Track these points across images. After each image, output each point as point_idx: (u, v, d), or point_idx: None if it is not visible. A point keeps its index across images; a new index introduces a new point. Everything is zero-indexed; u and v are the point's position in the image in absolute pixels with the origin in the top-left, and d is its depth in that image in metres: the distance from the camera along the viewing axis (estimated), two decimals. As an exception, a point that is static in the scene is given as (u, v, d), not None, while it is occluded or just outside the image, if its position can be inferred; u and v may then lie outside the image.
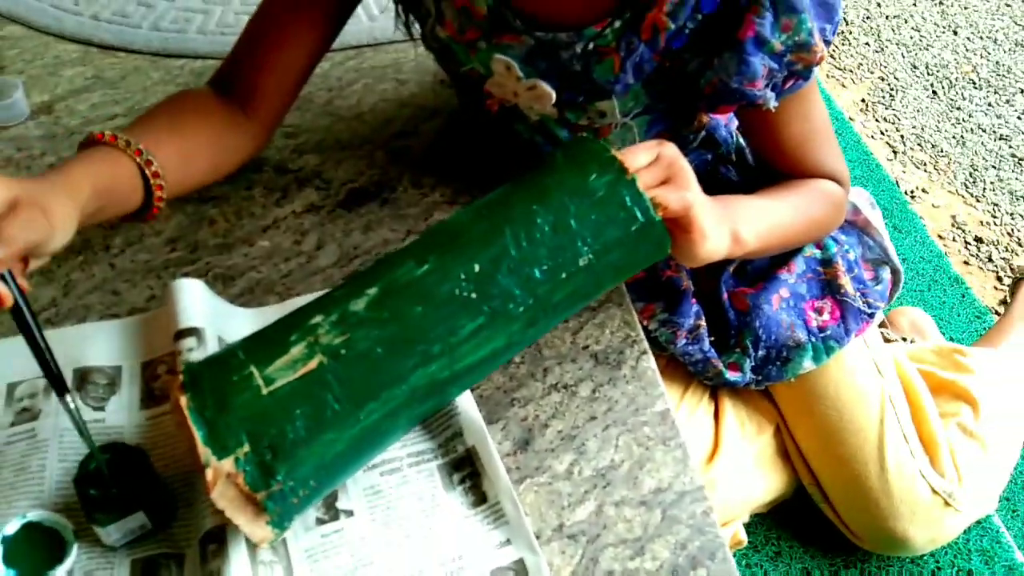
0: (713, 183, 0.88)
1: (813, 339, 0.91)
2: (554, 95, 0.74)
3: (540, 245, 0.57)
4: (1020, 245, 1.95)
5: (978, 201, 2.05)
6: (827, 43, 0.68)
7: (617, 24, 0.68)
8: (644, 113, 0.77)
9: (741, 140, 0.90)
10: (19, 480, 0.61)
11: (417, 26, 0.80)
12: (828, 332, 0.91)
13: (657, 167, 0.61)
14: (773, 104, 0.71)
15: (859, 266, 0.94)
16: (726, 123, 0.88)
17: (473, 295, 0.56)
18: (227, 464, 0.51)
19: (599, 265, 0.59)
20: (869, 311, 0.93)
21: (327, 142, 0.92)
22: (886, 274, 0.96)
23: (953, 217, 2.00)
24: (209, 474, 0.50)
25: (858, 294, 0.92)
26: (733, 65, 0.68)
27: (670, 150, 0.63)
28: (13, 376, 0.68)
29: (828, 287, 0.92)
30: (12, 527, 0.57)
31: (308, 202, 0.85)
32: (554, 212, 0.58)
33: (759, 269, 0.92)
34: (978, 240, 1.95)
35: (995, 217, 2.01)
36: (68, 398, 0.55)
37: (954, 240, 1.94)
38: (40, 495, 0.61)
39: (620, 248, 0.59)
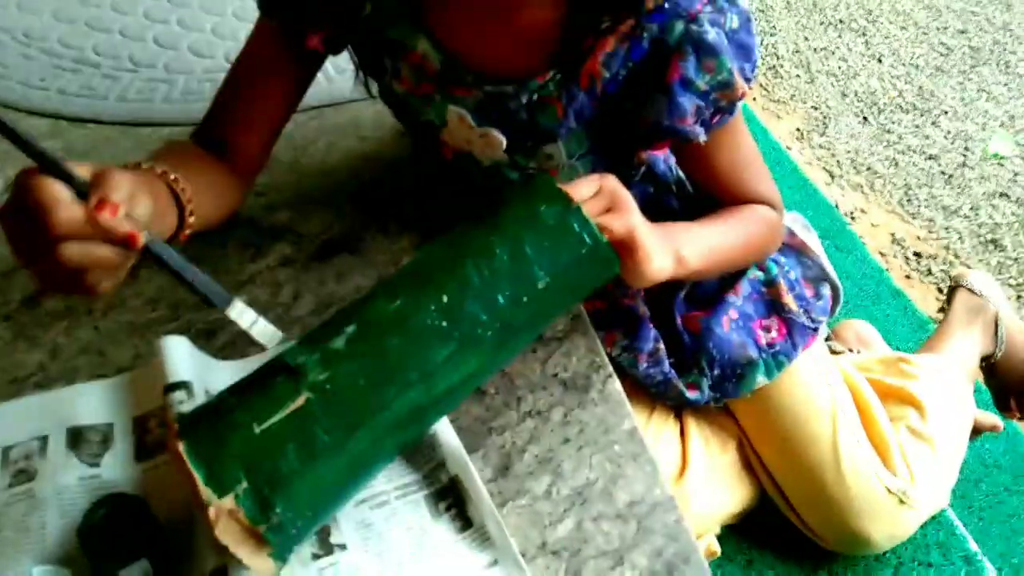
0: (657, 213, 0.93)
1: (764, 355, 0.97)
2: (505, 142, 0.79)
3: (500, 273, 0.62)
4: (957, 257, 2.04)
5: (914, 218, 2.14)
6: (748, 80, 0.75)
7: (557, 76, 0.74)
8: (588, 154, 0.83)
9: (681, 173, 0.96)
10: (21, 539, 0.63)
11: (375, 84, 0.86)
12: (777, 348, 0.97)
13: (600, 197, 0.67)
14: (703, 138, 0.77)
15: (800, 284, 1.00)
16: (665, 158, 0.94)
17: (444, 323, 0.60)
18: (228, 501, 0.54)
19: (556, 286, 0.64)
20: (813, 326, 0.99)
21: (296, 198, 0.97)
22: (826, 290, 1.02)
23: (892, 234, 2.09)
24: (212, 512, 0.53)
25: (802, 310, 0.98)
26: (664, 105, 0.74)
27: (611, 181, 0.69)
28: (7, 440, 0.70)
29: (773, 306, 0.98)
30: (20, 583, 0.59)
31: (282, 255, 0.89)
32: (510, 242, 0.63)
33: (708, 293, 0.98)
34: (917, 255, 2.04)
35: (931, 232, 2.10)
36: (233, 303, 0.57)
37: (895, 256, 2.03)
38: (43, 551, 0.62)
39: (573, 270, 0.64)
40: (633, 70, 0.74)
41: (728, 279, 0.98)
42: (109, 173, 0.53)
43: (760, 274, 0.99)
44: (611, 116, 0.79)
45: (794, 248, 1.04)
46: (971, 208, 2.17)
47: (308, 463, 0.56)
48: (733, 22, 0.73)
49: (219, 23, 1.21)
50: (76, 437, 0.70)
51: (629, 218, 0.67)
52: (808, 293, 1.01)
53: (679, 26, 0.71)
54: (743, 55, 0.74)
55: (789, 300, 0.98)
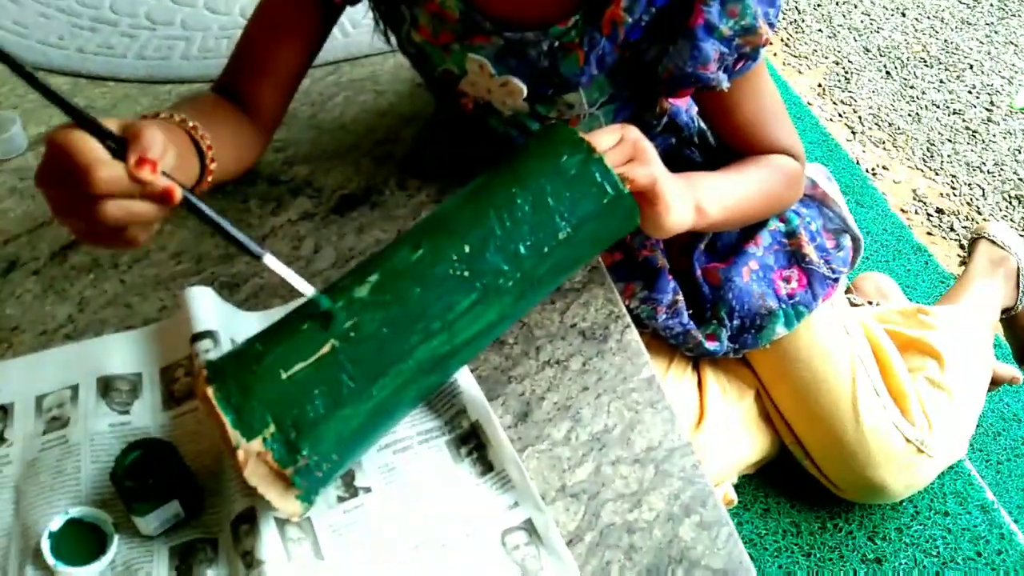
0: (678, 164, 0.93)
1: (783, 306, 0.97)
2: (525, 90, 0.79)
3: (522, 223, 0.62)
4: (979, 213, 2.02)
5: (937, 174, 2.11)
6: (771, 26, 0.74)
7: (579, 22, 0.74)
8: (609, 102, 0.83)
9: (703, 124, 0.95)
10: (57, 483, 0.65)
11: (394, 37, 0.86)
12: (797, 299, 0.97)
13: (622, 147, 0.67)
14: (725, 85, 0.77)
15: (821, 235, 1.00)
16: (687, 109, 0.94)
17: (466, 273, 0.61)
18: (256, 444, 0.55)
19: (577, 237, 0.64)
20: (833, 276, 0.99)
21: (315, 153, 0.97)
22: (847, 241, 1.02)
23: (914, 191, 2.06)
24: (240, 455, 0.55)
25: (822, 261, 0.98)
26: (687, 51, 0.73)
27: (632, 132, 0.68)
28: (41, 389, 0.72)
29: (794, 257, 0.98)
30: (56, 523, 0.61)
31: (302, 210, 0.90)
32: (532, 192, 0.63)
33: (728, 245, 0.98)
34: (939, 211, 2.01)
35: (954, 188, 2.07)
36: (266, 255, 0.58)
37: (916, 213, 2.01)
38: (79, 494, 0.64)
39: (594, 220, 0.65)
40: (656, 16, 0.74)
41: (748, 230, 0.98)
42: (143, 129, 0.54)
43: (781, 225, 0.99)
44: (633, 63, 0.78)
45: (816, 199, 1.04)
46: (995, 164, 2.14)
47: (334, 409, 0.57)
48: None
49: (235, -20, 1.22)
50: (106, 386, 0.72)
51: (651, 168, 0.67)
52: (829, 244, 1.01)
53: None
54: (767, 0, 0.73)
55: (810, 251, 0.98)
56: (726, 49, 0.74)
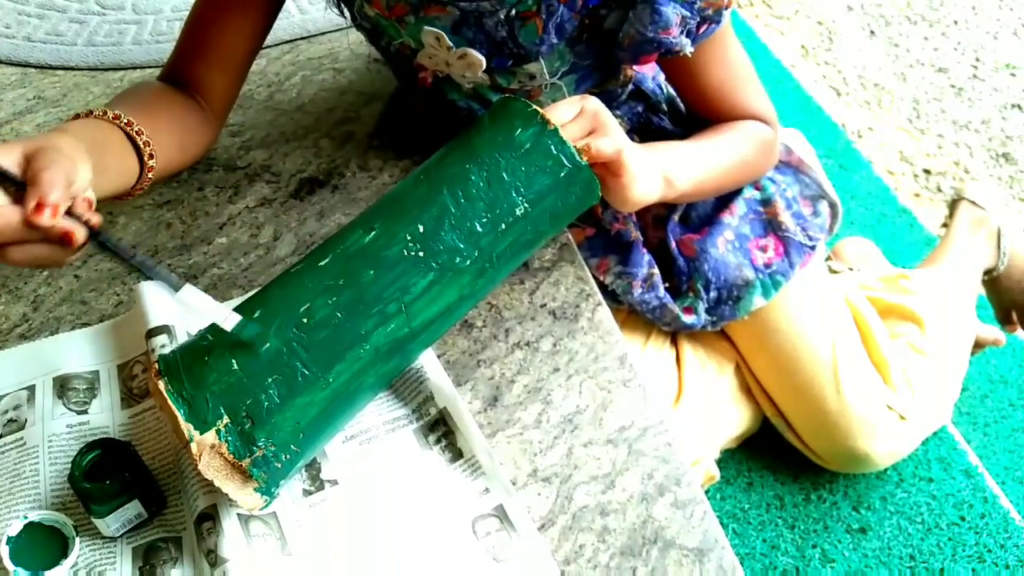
0: (647, 132, 0.91)
1: (760, 276, 0.95)
2: (484, 61, 0.77)
3: (477, 200, 0.61)
4: (967, 172, 2.01)
5: (923, 134, 2.10)
6: None
7: None
8: (571, 72, 0.81)
9: (671, 91, 0.93)
10: (15, 486, 0.64)
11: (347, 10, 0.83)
12: (774, 268, 0.95)
13: (582, 119, 0.65)
14: (689, 50, 0.75)
15: (798, 202, 0.98)
16: (653, 76, 0.92)
17: (421, 253, 0.59)
18: (210, 437, 0.54)
19: (535, 212, 0.62)
20: (811, 244, 0.97)
21: (272, 136, 0.95)
22: (824, 208, 1.00)
23: (900, 152, 2.05)
24: (194, 448, 0.54)
25: (799, 229, 0.97)
26: (647, 16, 0.71)
27: (592, 103, 0.66)
28: (-4, 390, 0.70)
29: (770, 225, 0.96)
30: (15, 528, 0.59)
31: (260, 196, 0.88)
32: (487, 167, 0.61)
33: (703, 215, 0.96)
34: (926, 171, 2.00)
35: (940, 148, 2.06)
36: (185, 287, 0.57)
37: (903, 174, 2.00)
38: (38, 498, 0.63)
39: (552, 194, 0.63)
40: None
41: (723, 199, 0.96)
42: (43, 169, 0.52)
43: (756, 193, 0.97)
44: (594, 31, 0.76)
45: (791, 165, 1.02)
46: (982, 122, 2.12)
47: (289, 398, 0.56)
48: None
49: (189, -40, 1.18)
50: (63, 385, 0.70)
51: (614, 139, 0.65)
52: (806, 211, 0.99)
53: None
54: None
55: (786, 218, 0.96)
56: (687, 12, 0.72)
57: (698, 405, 1.03)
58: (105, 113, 0.66)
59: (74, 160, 0.54)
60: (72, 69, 1.05)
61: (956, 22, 2.42)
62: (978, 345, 1.27)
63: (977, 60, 2.29)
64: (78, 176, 0.54)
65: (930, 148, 2.06)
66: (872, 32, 2.40)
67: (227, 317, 0.57)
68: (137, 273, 0.79)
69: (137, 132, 0.66)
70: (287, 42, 1.07)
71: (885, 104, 2.18)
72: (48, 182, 0.51)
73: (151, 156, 0.67)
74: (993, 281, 1.33)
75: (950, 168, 2.01)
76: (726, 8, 0.73)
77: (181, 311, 0.72)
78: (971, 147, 2.05)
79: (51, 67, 1.05)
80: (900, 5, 2.49)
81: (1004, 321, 1.36)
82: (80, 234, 0.53)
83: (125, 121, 0.66)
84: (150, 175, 0.68)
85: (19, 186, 0.52)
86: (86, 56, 1.05)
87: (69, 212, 0.53)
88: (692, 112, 0.87)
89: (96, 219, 0.55)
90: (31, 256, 0.54)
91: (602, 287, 0.92)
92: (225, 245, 0.83)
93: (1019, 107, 2.15)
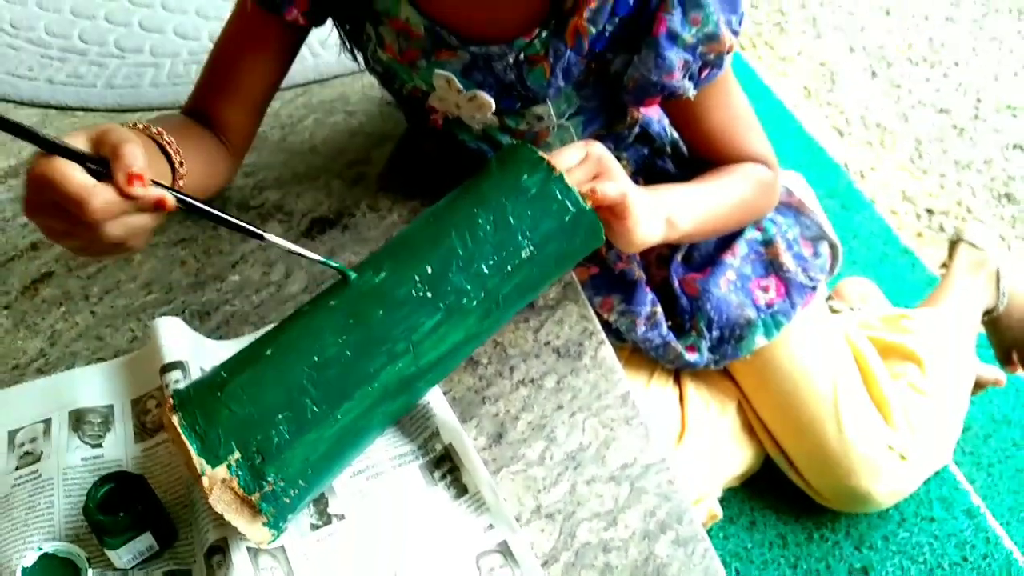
0: (652, 175, 0.93)
1: (762, 315, 0.97)
2: (494, 104, 0.79)
3: (484, 242, 0.62)
4: (970, 212, 2.02)
5: (925, 173, 2.11)
6: (735, 33, 0.74)
7: (543, 33, 0.74)
8: (578, 114, 0.83)
9: (675, 134, 0.96)
10: (30, 518, 0.65)
11: (360, 55, 0.86)
12: (775, 308, 0.97)
13: (587, 164, 0.67)
14: (691, 93, 0.77)
15: (798, 243, 1.00)
16: (659, 119, 0.94)
17: (429, 294, 0.61)
18: (221, 471, 0.55)
19: (540, 255, 0.64)
20: (811, 284, 0.98)
21: (285, 177, 0.97)
22: (824, 249, 1.02)
23: (903, 191, 2.06)
24: (205, 481, 0.55)
25: (800, 269, 0.98)
26: (651, 60, 0.74)
27: (596, 148, 0.68)
28: (12, 424, 0.71)
29: (771, 266, 0.98)
30: (29, 559, 0.60)
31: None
32: (493, 211, 0.63)
33: (706, 255, 0.98)
34: (929, 211, 2.01)
35: (943, 188, 2.07)
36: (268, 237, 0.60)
37: (906, 214, 2.01)
38: (52, 529, 0.64)
39: (557, 238, 0.65)
40: (620, 25, 0.74)
41: (725, 240, 0.97)
42: (120, 144, 0.55)
43: (758, 234, 0.99)
44: (600, 74, 0.79)
45: (792, 207, 1.04)
46: (984, 161, 2.14)
47: (298, 434, 0.58)
48: None
49: (203, 4, 1.22)
50: (78, 419, 0.71)
51: (618, 183, 0.67)
52: (806, 252, 1.01)
53: None
54: (729, 7, 0.74)
55: (787, 259, 0.98)
56: (690, 57, 0.74)
57: (701, 443, 1.04)
58: (135, 124, 0.68)
59: (137, 139, 0.56)
60: (92, 111, 1.08)
61: (957, 63, 2.45)
62: (979, 385, 1.27)
63: (978, 101, 2.32)
64: (140, 151, 0.56)
65: (932, 188, 2.08)
66: (874, 73, 2.43)
67: (312, 256, 0.61)
68: (152, 308, 0.82)
69: (168, 142, 0.68)
70: (300, 85, 1.10)
71: (888, 144, 2.20)
72: (130, 154, 0.54)
73: (181, 164, 0.69)
74: (993, 321, 1.34)
75: (953, 208, 2.02)
76: (727, 53, 0.76)
77: (195, 348, 0.74)
78: (973, 187, 2.07)
79: (71, 108, 1.08)
80: (901, 47, 2.52)
81: (1005, 361, 1.36)
82: (170, 198, 0.56)
83: (155, 131, 0.68)
84: (181, 182, 0.69)
85: (97, 163, 0.54)
86: (105, 98, 1.08)
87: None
88: (694, 154, 0.89)
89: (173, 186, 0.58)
90: (127, 229, 0.56)
91: (606, 325, 0.93)
92: (238, 282, 0.84)
93: (1020, 147, 2.17)
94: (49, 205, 0.54)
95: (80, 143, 0.55)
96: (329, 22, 0.83)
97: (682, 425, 1.04)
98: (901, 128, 2.24)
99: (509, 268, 0.63)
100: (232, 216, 0.59)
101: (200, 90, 0.84)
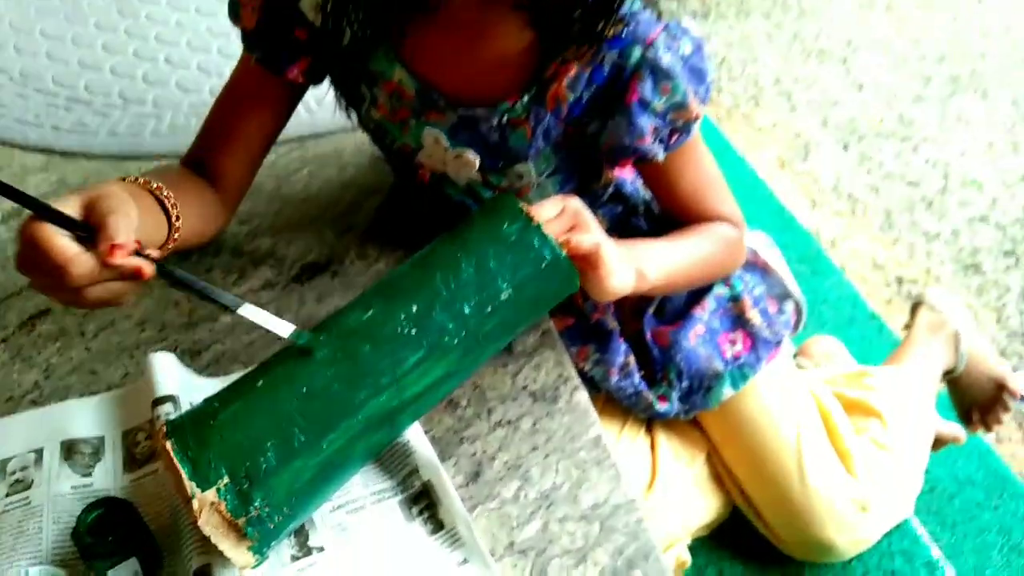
0: (625, 232, 0.98)
1: (730, 368, 1.01)
2: (478, 161, 0.84)
3: (466, 285, 0.67)
4: (938, 280, 2.07)
5: (895, 243, 2.17)
6: (702, 102, 0.80)
7: (525, 98, 0.80)
8: (555, 173, 0.88)
9: (648, 194, 1.01)
10: (18, 543, 0.66)
11: (355, 114, 0.91)
12: (742, 360, 1.01)
13: (564, 216, 0.72)
14: (661, 156, 0.82)
15: (764, 300, 1.05)
16: (632, 180, 0.99)
17: (413, 332, 0.65)
18: (210, 495, 0.58)
19: (519, 298, 0.68)
20: (776, 339, 1.03)
21: (278, 224, 1.01)
22: (789, 307, 1.07)
23: (874, 259, 2.11)
24: (195, 504, 0.57)
25: (765, 325, 1.03)
26: (624, 125, 0.79)
27: (574, 203, 0.73)
28: (5, 453, 0.73)
29: (738, 321, 1.02)
30: (16, 583, 0.62)
31: (264, 279, 0.93)
32: (475, 256, 0.68)
33: (677, 309, 1.02)
34: (898, 280, 2.07)
35: (912, 257, 2.12)
36: (244, 305, 0.63)
37: (877, 281, 2.06)
38: (39, 554, 0.66)
39: (534, 282, 0.69)
40: (596, 93, 0.80)
41: (695, 295, 1.02)
42: (108, 214, 0.58)
43: (726, 290, 1.04)
44: (577, 137, 0.84)
45: (758, 267, 1.09)
46: (952, 233, 2.20)
47: (285, 462, 0.60)
48: (686, 48, 0.78)
49: (205, 60, 1.27)
50: (69, 449, 0.74)
51: (592, 235, 0.72)
52: (771, 309, 1.05)
53: (637, 51, 0.77)
54: (696, 78, 0.79)
55: (753, 315, 1.02)
56: (660, 123, 0.80)
57: (671, 492, 1.06)
58: (136, 179, 0.72)
59: (128, 205, 0.60)
60: (95, 157, 1.11)
61: (926, 139, 2.53)
62: (939, 442, 1.31)
63: (946, 175, 2.40)
64: (132, 216, 0.60)
65: (902, 257, 2.13)
66: (846, 146, 2.51)
67: (285, 328, 0.63)
68: (145, 345, 0.85)
69: (166, 196, 0.72)
70: (296, 139, 1.15)
71: (859, 213, 2.26)
72: (115, 225, 0.58)
73: (178, 218, 0.72)
74: (954, 381, 1.39)
75: (922, 276, 2.07)
76: (695, 121, 0.81)
77: (185, 384, 0.77)
78: (942, 257, 2.12)
79: (74, 154, 1.12)
80: (872, 122, 2.61)
81: (966, 420, 1.41)
82: (148, 268, 0.59)
83: (155, 186, 0.72)
84: (176, 235, 0.73)
85: (83, 230, 0.58)
86: (108, 146, 1.12)
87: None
88: (666, 213, 0.94)
89: (156, 253, 0.61)
90: (109, 293, 0.60)
91: (581, 374, 0.96)
92: (229, 324, 0.87)
93: (986, 220, 2.24)
94: (36, 265, 0.58)
95: (72, 207, 0.59)
96: (326, 81, 0.88)
97: (653, 473, 1.06)
98: (872, 199, 2.31)
99: (489, 309, 0.67)
100: (209, 288, 0.63)
101: (200, 141, 0.88)
